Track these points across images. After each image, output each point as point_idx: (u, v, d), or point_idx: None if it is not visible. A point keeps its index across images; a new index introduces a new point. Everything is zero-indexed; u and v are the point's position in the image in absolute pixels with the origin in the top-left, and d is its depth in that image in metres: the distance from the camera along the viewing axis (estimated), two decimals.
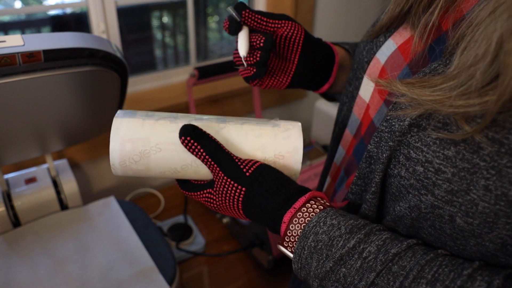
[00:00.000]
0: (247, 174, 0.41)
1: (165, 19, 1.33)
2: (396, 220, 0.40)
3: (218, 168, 0.41)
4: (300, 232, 0.39)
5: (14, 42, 0.56)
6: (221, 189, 0.42)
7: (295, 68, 0.51)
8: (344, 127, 0.52)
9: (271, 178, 0.41)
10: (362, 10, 1.42)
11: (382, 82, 0.38)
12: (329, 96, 0.62)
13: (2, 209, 0.80)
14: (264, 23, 0.48)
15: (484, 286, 0.31)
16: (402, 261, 0.35)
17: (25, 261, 0.75)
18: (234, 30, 0.47)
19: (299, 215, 0.39)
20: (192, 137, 0.41)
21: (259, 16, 0.48)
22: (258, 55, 0.47)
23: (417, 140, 0.35)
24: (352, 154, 0.50)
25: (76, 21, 1.15)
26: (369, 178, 0.43)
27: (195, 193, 0.45)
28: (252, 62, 0.48)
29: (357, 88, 0.49)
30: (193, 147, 0.41)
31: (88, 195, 1.13)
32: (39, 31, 1.16)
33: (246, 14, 0.47)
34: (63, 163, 0.92)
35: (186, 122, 0.43)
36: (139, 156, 0.42)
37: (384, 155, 0.38)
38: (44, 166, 0.91)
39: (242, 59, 0.47)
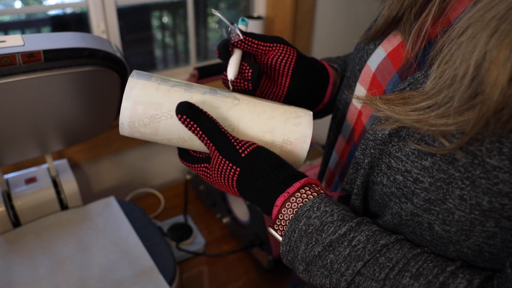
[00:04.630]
0: (243, 155, 0.41)
1: (165, 19, 1.33)
2: (379, 223, 0.41)
3: (214, 147, 0.42)
4: (292, 216, 0.39)
5: (14, 42, 0.56)
6: (216, 166, 0.42)
7: (286, 91, 0.51)
8: (338, 133, 0.53)
9: (266, 160, 0.41)
10: (362, 10, 1.42)
11: (364, 99, 0.39)
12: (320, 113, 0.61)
13: (2, 209, 0.79)
14: (255, 46, 0.48)
15: (464, 283, 0.32)
16: (389, 253, 0.35)
17: (25, 261, 0.75)
18: (224, 57, 0.47)
19: (292, 199, 0.39)
20: (189, 115, 0.41)
21: (250, 39, 0.47)
22: (247, 84, 0.47)
23: (397, 150, 0.36)
24: (346, 159, 0.51)
25: (76, 21, 1.15)
26: (355, 184, 0.43)
27: (193, 165, 0.46)
28: (240, 88, 0.47)
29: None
30: (189, 125, 0.41)
31: (88, 195, 1.13)
32: (39, 31, 1.16)
33: (237, 37, 0.47)
34: (63, 163, 0.92)
35: (200, 93, 0.43)
36: (149, 119, 0.42)
37: (366, 161, 0.40)
38: (44, 166, 0.91)
39: (229, 83, 0.46)
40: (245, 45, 0.47)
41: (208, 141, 0.42)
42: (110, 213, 0.87)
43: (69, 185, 0.87)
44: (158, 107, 0.42)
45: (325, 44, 1.40)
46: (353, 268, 0.35)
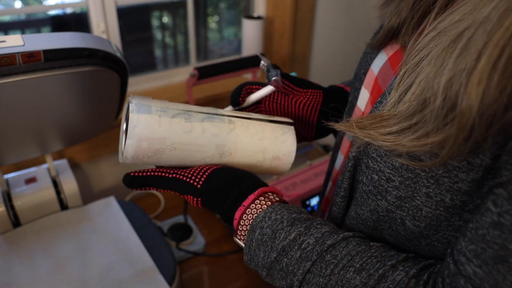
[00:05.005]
0: (198, 186, 0.45)
1: (165, 19, 1.33)
2: (360, 222, 0.44)
3: (173, 192, 0.46)
4: (248, 227, 0.43)
5: (14, 42, 0.56)
6: (184, 198, 0.47)
7: (315, 129, 0.57)
8: (343, 134, 0.55)
9: (222, 182, 0.45)
10: (362, 10, 1.42)
11: (342, 125, 0.40)
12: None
13: (2, 209, 0.79)
14: (290, 89, 0.54)
15: (402, 275, 0.36)
16: (335, 251, 0.39)
17: (25, 261, 0.75)
18: (233, 100, 0.53)
19: (248, 211, 0.43)
20: (138, 186, 0.46)
21: (287, 82, 0.53)
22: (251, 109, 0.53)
23: (373, 151, 0.39)
24: None
25: (76, 21, 1.15)
26: (342, 186, 0.46)
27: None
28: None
29: (356, 98, 0.51)
30: (144, 190, 0.46)
31: (88, 195, 1.13)
32: (39, 31, 1.16)
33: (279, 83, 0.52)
34: (63, 163, 0.92)
35: (199, 121, 0.45)
36: (153, 153, 0.44)
37: (350, 164, 0.43)
38: (44, 166, 0.91)
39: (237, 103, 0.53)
40: (281, 88, 0.53)
41: (166, 190, 0.46)
42: (110, 213, 0.87)
43: (69, 185, 0.87)
44: (162, 141, 0.43)
45: (325, 44, 1.40)
46: (303, 268, 0.39)
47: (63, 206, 0.87)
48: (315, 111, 0.55)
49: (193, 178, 0.45)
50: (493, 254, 0.30)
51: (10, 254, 0.76)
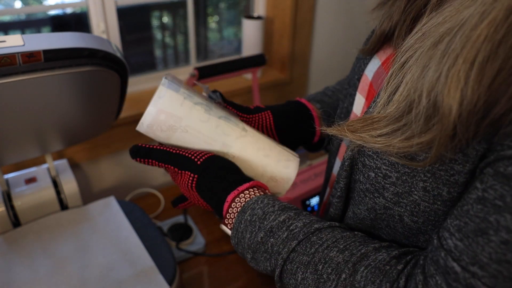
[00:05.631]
0: (198, 162, 0.46)
1: (165, 19, 1.33)
2: (357, 222, 0.44)
3: (172, 167, 0.47)
4: (239, 209, 0.44)
5: (14, 42, 0.56)
6: (179, 177, 0.47)
7: (278, 139, 0.57)
8: (341, 140, 0.55)
9: (220, 166, 0.46)
10: (362, 10, 1.42)
11: (334, 129, 0.41)
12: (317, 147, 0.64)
13: (2, 209, 0.80)
14: (236, 114, 0.55)
15: (384, 255, 0.37)
16: (321, 234, 0.40)
17: (25, 261, 0.75)
18: None
19: (241, 195, 0.44)
20: (142, 156, 0.47)
21: (231, 108, 0.54)
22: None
23: (369, 149, 0.40)
24: None
25: (76, 21, 1.15)
26: (339, 186, 0.47)
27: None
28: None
29: (351, 104, 0.51)
30: (146, 162, 0.47)
31: (88, 195, 1.13)
32: (39, 31, 1.16)
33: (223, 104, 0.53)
34: (63, 163, 0.92)
35: (216, 117, 0.48)
36: (167, 127, 0.47)
37: (346, 164, 0.44)
38: (44, 166, 0.91)
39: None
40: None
41: (166, 165, 0.47)
42: (110, 213, 0.87)
43: (69, 185, 0.87)
44: (178, 120, 0.46)
45: (325, 44, 1.40)
46: (289, 246, 0.40)
47: (63, 206, 0.87)
48: (272, 130, 0.56)
49: (195, 155, 0.47)
50: (474, 227, 0.31)
51: (10, 254, 0.76)
